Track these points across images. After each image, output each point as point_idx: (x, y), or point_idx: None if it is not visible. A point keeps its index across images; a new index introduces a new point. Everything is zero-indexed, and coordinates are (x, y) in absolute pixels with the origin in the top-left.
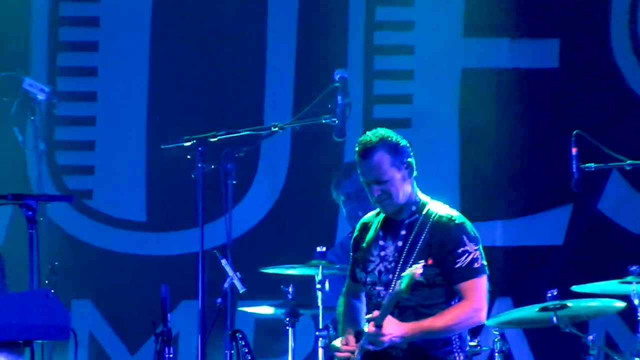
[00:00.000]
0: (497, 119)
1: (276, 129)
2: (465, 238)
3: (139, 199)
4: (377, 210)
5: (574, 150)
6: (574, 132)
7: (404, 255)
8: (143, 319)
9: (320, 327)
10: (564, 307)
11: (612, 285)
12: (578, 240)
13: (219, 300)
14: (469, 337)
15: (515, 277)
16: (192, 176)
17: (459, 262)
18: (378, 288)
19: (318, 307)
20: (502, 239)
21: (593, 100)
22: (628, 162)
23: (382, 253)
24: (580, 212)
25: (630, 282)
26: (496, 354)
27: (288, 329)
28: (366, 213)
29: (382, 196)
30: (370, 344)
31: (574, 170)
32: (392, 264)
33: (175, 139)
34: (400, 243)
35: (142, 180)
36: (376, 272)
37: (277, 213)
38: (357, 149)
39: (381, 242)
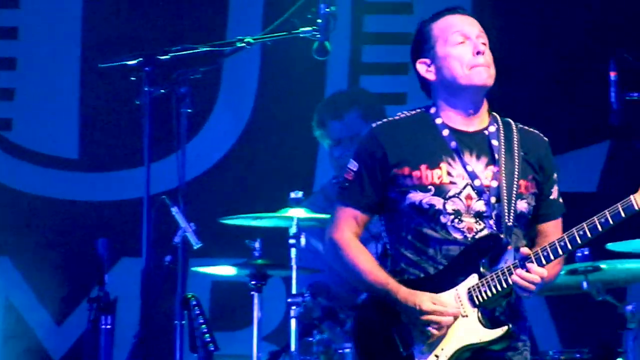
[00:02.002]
0: (516, 41)
1: (242, 44)
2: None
3: (69, 131)
4: (407, 113)
5: (612, 75)
6: (614, 51)
7: (504, 177)
8: (73, 281)
9: (294, 292)
10: (597, 269)
11: None
12: (616, 186)
13: (168, 258)
14: None
15: None
16: (137, 102)
17: (553, 192)
18: (467, 219)
19: (291, 267)
20: None
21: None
22: None
23: (469, 169)
24: (619, 151)
25: None
26: None
27: (253, 295)
28: None
29: (487, 57)
30: (525, 291)
31: (613, 99)
32: (494, 190)
33: (116, 55)
34: (493, 159)
35: (75, 107)
36: (463, 199)
37: (241, 150)
38: (440, 11)
39: (466, 158)
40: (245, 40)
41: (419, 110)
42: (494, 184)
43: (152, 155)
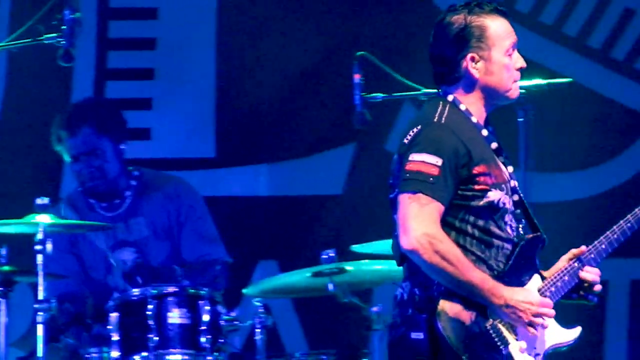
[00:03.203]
0: (260, 42)
1: None
2: None
3: None
4: (442, 109)
5: (356, 77)
6: (357, 54)
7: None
8: None
9: (40, 298)
10: (343, 271)
11: None
12: (361, 188)
13: None
14: (224, 309)
15: (283, 235)
16: None
17: None
18: (512, 218)
19: (37, 273)
20: (267, 187)
21: (384, 18)
22: (423, 91)
23: (504, 166)
24: (364, 153)
25: None
26: (257, 330)
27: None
28: (98, 172)
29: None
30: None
31: (357, 101)
32: (516, 189)
33: None
34: (506, 159)
35: None
36: (510, 198)
37: None
38: (491, 6)
39: (500, 159)
40: None
41: (448, 106)
42: (515, 184)
43: None
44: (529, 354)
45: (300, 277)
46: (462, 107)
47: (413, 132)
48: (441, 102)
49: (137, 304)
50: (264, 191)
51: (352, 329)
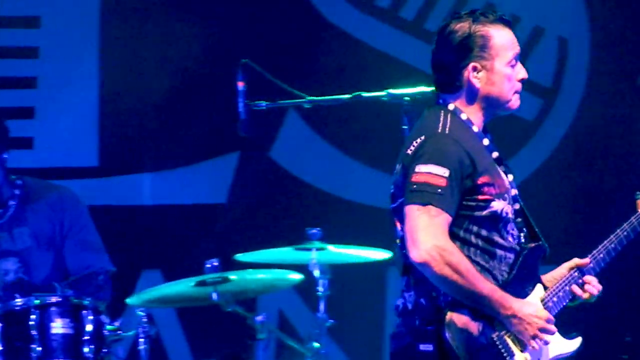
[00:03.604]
0: (143, 51)
1: None
2: None
3: None
4: (445, 118)
5: (240, 85)
6: (241, 61)
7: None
8: None
9: None
10: (226, 280)
11: (286, 252)
12: (246, 197)
13: None
14: (108, 319)
15: (167, 244)
16: None
17: None
18: (514, 227)
19: None
20: (150, 196)
21: (268, 26)
22: (308, 99)
23: (505, 175)
24: (248, 162)
25: (310, 249)
26: (141, 340)
27: None
28: None
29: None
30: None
31: (241, 109)
32: (517, 198)
33: None
34: (506, 168)
35: None
36: (512, 207)
37: None
38: (495, 16)
39: (501, 168)
40: None
41: (449, 116)
42: (515, 192)
43: None
44: None
45: (184, 286)
46: (463, 116)
47: (417, 142)
48: (442, 112)
49: (20, 314)
50: (147, 200)
51: (236, 339)
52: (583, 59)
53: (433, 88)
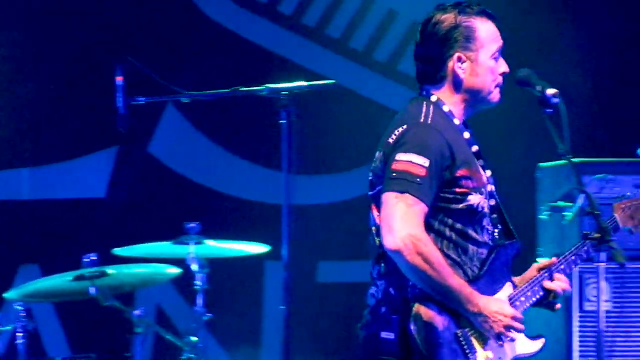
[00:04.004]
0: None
1: None
2: None
3: None
4: (428, 109)
5: (119, 80)
6: (120, 57)
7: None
8: None
9: None
10: (104, 275)
11: (164, 247)
12: (124, 191)
13: None
14: None
15: (46, 239)
16: None
17: None
18: (488, 219)
19: None
20: (29, 191)
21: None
22: (186, 94)
23: (483, 170)
24: (127, 156)
25: (187, 243)
26: (19, 335)
27: None
28: None
29: None
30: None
31: (120, 104)
32: (494, 194)
33: None
34: (485, 163)
35: None
36: (488, 202)
37: None
38: (480, 8)
39: (480, 163)
40: None
41: (432, 107)
42: (492, 188)
43: None
44: None
45: (61, 281)
46: (446, 108)
47: (399, 131)
48: (425, 102)
49: None
50: (25, 195)
51: (114, 333)
52: None
53: (311, 83)
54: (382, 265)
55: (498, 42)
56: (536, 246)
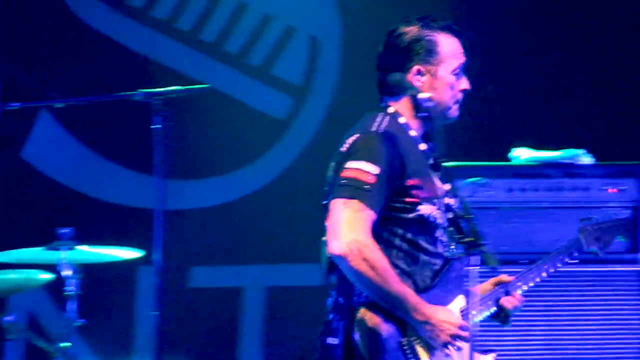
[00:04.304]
0: None
1: None
2: None
3: None
4: (382, 120)
5: None
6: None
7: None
8: None
9: None
10: None
11: (36, 252)
12: None
13: None
14: None
15: None
16: None
17: None
18: (444, 234)
19: None
20: None
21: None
22: (60, 99)
23: (441, 186)
24: (1, 161)
25: (59, 249)
26: None
27: None
28: None
29: None
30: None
31: None
32: (450, 207)
33: None
34: (444, 177)
35: None
36: (443, 214)
37: None
38: (445, 23)
39: (437, 175)
40: None
41: (387, 118)
42: (451, 201)
43: None
44: None
45: None
46: (402, 120)
47: (351, 140)
48: (381, 114)
49: None
50: None
51: None
52: (334, 58)
53: (185, 87)
54: (334, 276)
55: (460, 59)
56: None
